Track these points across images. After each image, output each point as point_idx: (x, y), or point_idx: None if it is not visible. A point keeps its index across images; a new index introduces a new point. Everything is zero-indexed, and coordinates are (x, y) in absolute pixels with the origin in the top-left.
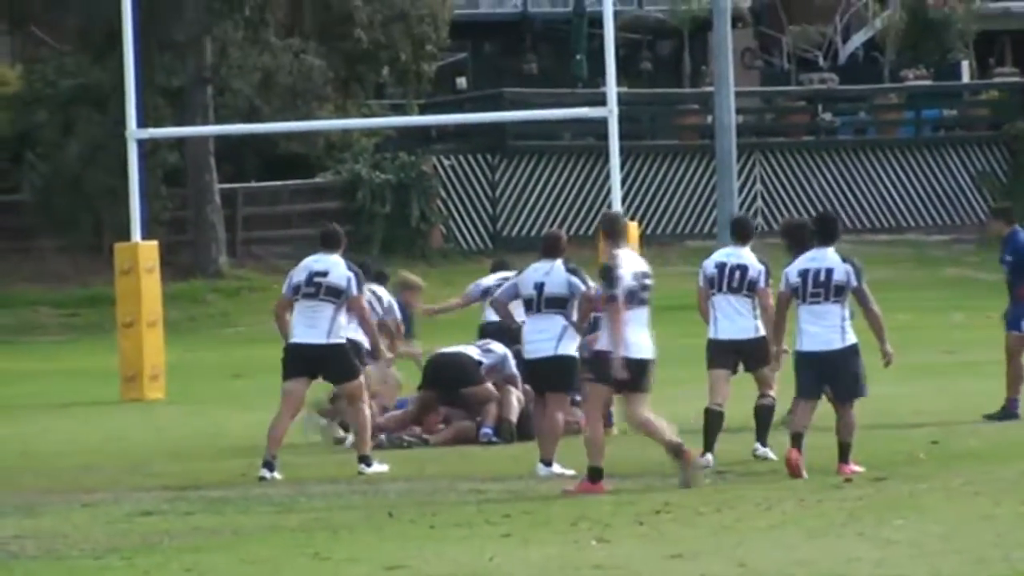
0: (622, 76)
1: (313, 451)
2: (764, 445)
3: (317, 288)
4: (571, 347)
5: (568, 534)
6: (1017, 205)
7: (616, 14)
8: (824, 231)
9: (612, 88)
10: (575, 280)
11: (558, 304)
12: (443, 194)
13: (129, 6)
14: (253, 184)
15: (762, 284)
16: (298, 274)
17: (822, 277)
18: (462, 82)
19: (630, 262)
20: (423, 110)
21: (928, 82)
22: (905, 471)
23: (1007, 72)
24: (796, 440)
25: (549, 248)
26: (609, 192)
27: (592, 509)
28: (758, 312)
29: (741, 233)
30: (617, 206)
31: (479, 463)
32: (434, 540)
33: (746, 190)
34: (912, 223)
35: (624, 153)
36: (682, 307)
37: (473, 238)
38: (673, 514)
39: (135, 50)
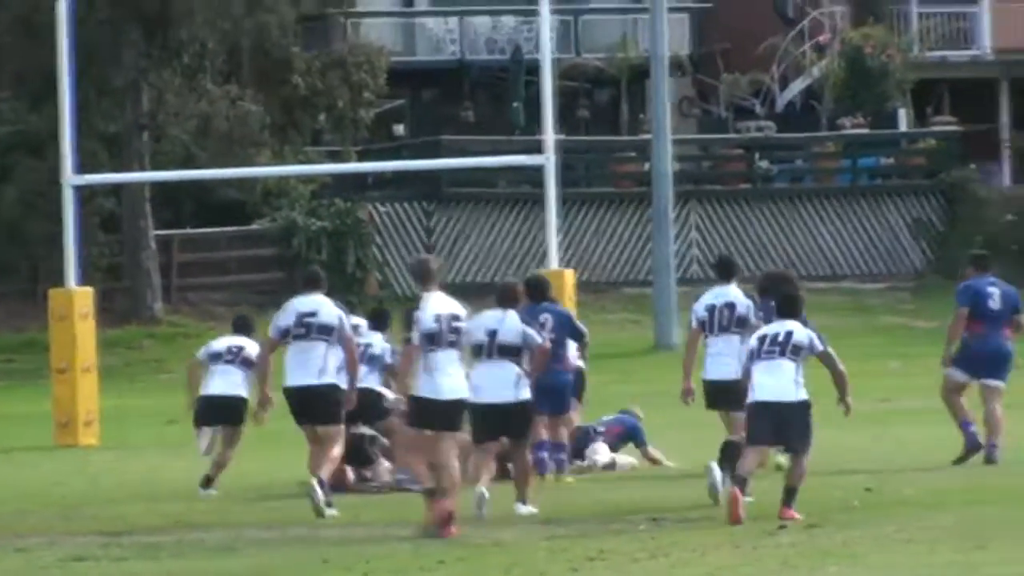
0: (559, 124)
1: (251, 497)
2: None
3: (308, 328)
4: (527, 393)
5: None
6: (952, 252)
7: (554, 62)
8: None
9: (549, 135)
10: (530, 332)
11: (510, 352)
12: (379, 241)
13: (66, 52)
14: (189, 230)
15: (752, 320)
16: (285, 318)
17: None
18: (399, 129)
19: (436, 304)
20: (360, 157)
21: (865, 130)
22: (839, 518)
23: (944, 121)
24: (741, 483)
25: (505, 298)
26: (545, 239)
27: (526, 556)
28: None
29: (725, 271)
30: (553, 253)
31: (415, 509)
32: None
33: (682, 237)
34: (848, 271)
35: (561, 200)
36: (619, 355)
37: (409, 285)
38: (608, 561)
39: (72, 96)
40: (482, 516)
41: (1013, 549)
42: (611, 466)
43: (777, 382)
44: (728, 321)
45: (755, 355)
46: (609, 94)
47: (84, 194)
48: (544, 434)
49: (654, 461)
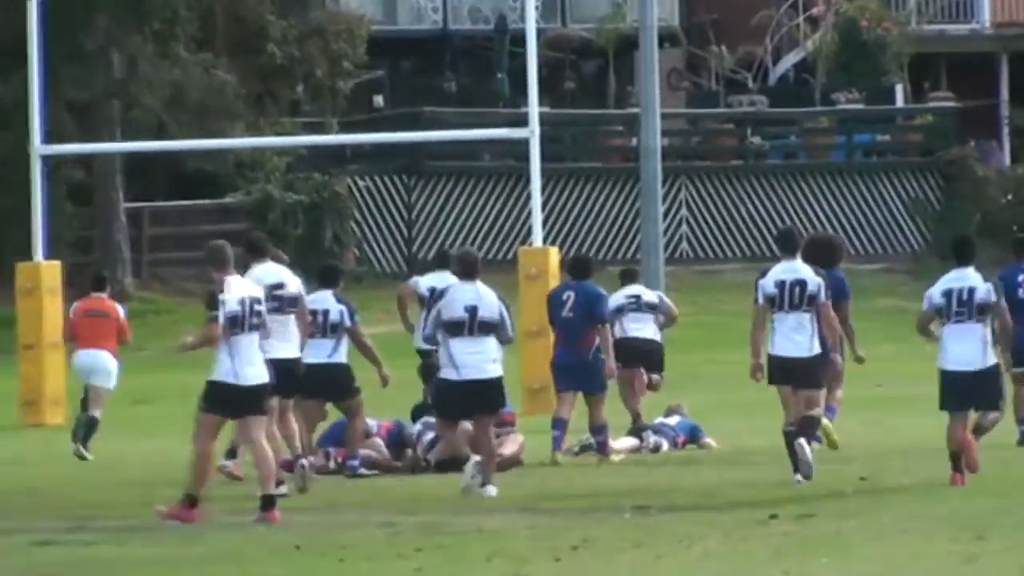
0: (545, 96)
1: (221, 480)
2: (808, 443)
3: (280, 301)
4: (501, 369)
5: (483, 570)
6: (949, 232)
7: (539, 32)
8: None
9: (534, 108)
10: (504, 310)
11: (490, 329)
12: (357, 216)
13: (36, 15)
14: (160, 203)
15: (822, 298)
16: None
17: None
18: (379, 100)
19: (239, 288)
20: (338, 129)
21: (860, 106)
22: (832, 507)
23: (942, 96)
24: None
25: (469, 268)
26: (529, 216)
27: (508, 544)
28: (814, 329)
29: (790, 246)
30: (537, 230)
31: (392, 495)
32: (343, 574)
33: (671, 215)
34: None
35: (545, 176)
36: None
37: (388, 261)
38: (592, 550)
39: (41, 62)
40: (471, 487)
41: (1013, 539)
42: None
43: (968, 348)
44: (799, 299)
45: (945, 314)
46: (596, 65)
47: (52, 165)
48: (565, 413)
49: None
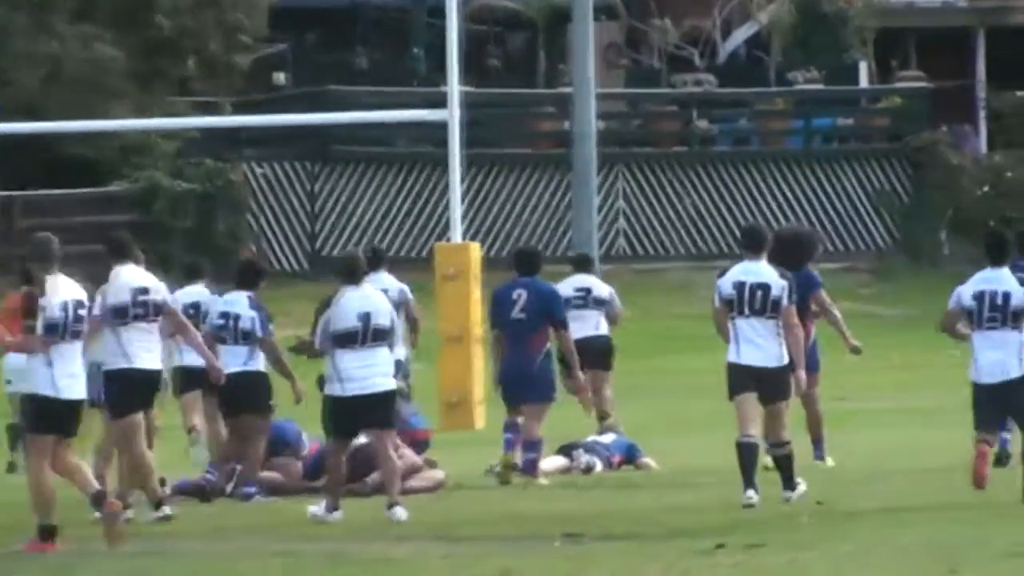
0: (466, 74)
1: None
2: (792, 490)
3: (145, 308)
4: (393, 382)
5: None
6: (919, 228)
7: (462, 2)
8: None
9: (454, 87)
10: (394, 313)
11: (384, 337)
12: (255, 207)
13: None
14: (35, 192)
15: (786, 302)
16: (116, 294)
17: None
18: (280, 78)
19: (63, 290)
20: (234, 110)
21: (820, 86)
22: (786, 536)
23: (911, 76)
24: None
25: (353, 271)
26: (448, 208)
27: (420, 575)
28: (782, 337)
29: (754, 244)
30: (457, 224)
31: (292, 519)
32: None
33: (607, 207)
34: None
35: (466, 163)
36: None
37: (288, 259)
38: None
39: None
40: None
41: (989, 572)
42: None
43: (1002, 357)
44: (762, 304)
45: (975, 320)
46: (524, 40)
47: None
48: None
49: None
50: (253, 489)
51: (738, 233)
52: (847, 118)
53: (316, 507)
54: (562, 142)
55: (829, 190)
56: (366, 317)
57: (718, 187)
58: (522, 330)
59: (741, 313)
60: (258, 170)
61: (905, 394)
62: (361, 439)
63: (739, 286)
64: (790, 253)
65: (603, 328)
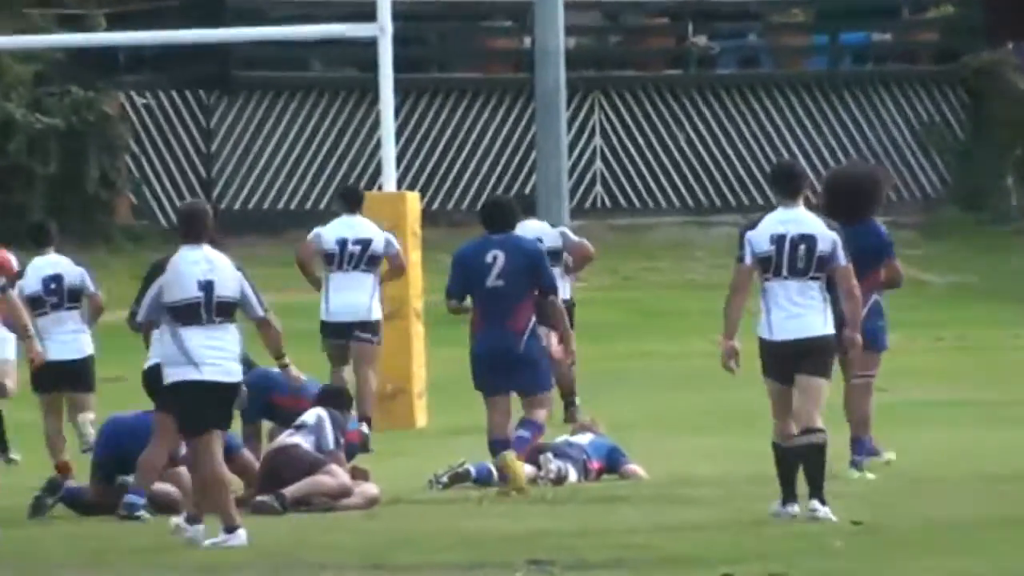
0: None
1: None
2: (822, 502)
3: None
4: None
5: None
6: (977, 172)
7: None
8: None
9: None
10: (246, 282)
11: (229, 311)
12: (135, 148)
13: None
14: None
15: (842, 261)
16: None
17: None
18: None
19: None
20: (109, 24)
21: None
22: (812, 565)
23: None
24: None
25: (195, 226)
26: (377, 147)
27: None
28: (826, 303)
29: (790, 185)
30: (389, 169)
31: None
32: None
33: (580, 147)
34: None
35: (401, 92)
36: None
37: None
38: None
39: None
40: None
41: None
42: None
43: None
44: (806, 261)
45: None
46: None
47: None
48: (502, 429)
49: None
50: (142, 499)
51: (745, 179)
52: (884, 33)
53: (179, 517)
54: (521, 64)
55: (863, 124)
56: (208, 286)
57: (720, 120)
58: (502, 301)
59: (778, 274)
60: (139, 100)
61: (961, 383)
62: (292, 437)
63: (778, 239)
64: (850, 198)
65: (565, 290)
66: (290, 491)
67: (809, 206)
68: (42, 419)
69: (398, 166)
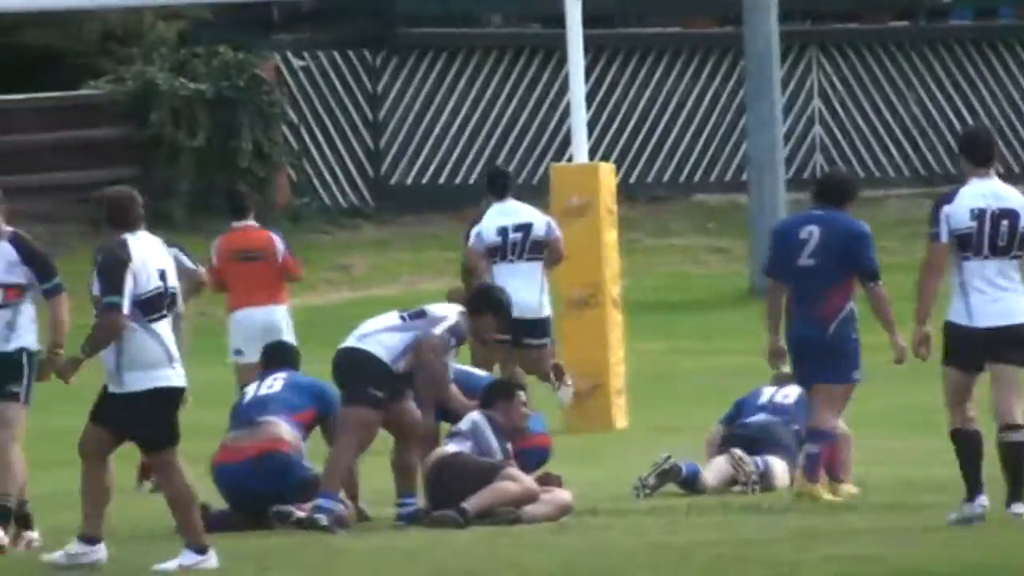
0: None
1: None
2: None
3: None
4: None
5: None
6: None
7: None
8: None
9: None
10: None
11: (175, 304)
12: (293, 116)
13: None
14: None
15: None
16: None
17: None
18: None
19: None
20: None
21: None
22: None
23: None
24: None
25: (124, 215)
26: (566, 114)
27: None
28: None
29: (982, 153)
30: (581, 137)
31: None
32: None
33: (796, 109)
34: None
35: (591, 49)
36: (694, 304)
37: (343, 189)
38: None
39: None
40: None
41: None
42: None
43: None
44: (1008, 240)
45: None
46: None
47: None
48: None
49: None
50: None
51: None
52: None
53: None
54: (728, 17)
55: None
56: (163, 274)
57: (955, 78)
58: (812, 283)
59: (978, 253)
60: (296, 62)
61: None
62: (449, 447)
63: (979, 215)
64: None
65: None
66: (471, 503)
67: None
68: None
69: (589, 135)
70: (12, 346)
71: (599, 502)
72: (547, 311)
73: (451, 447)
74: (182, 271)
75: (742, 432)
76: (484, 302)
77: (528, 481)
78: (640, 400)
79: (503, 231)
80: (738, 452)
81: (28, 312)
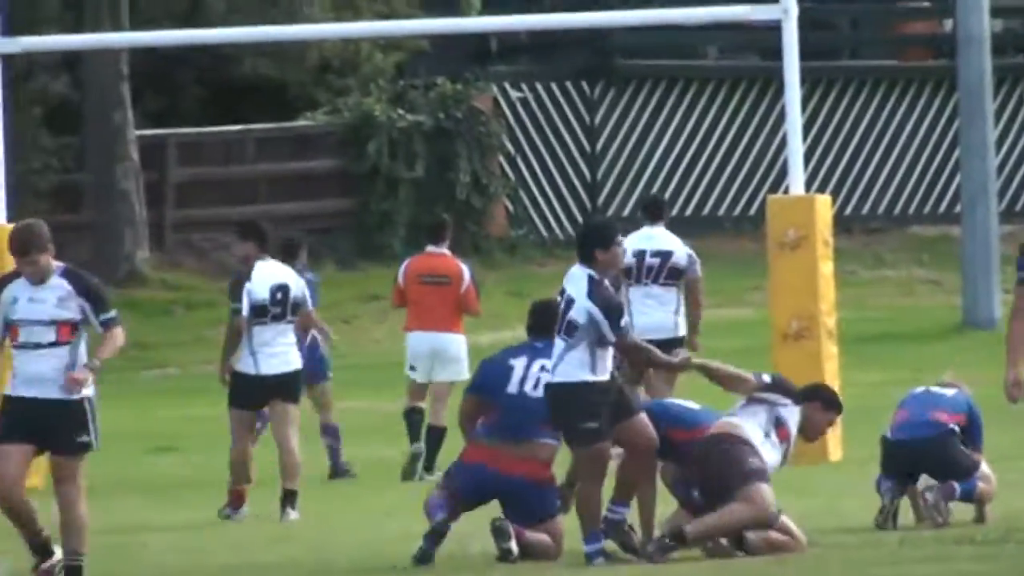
0: None
1: None
2: None
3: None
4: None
5: None
6: None
7: None
8: None
9: None
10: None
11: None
12: (510, 147)
13: None
14: (194, 129)
15: None
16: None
17: None
18: None
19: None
20: (483, 8)
21: None
22: None
23: None
24: None
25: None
26: (781, 146)
27: None
28: None
29: None
30: (798, 167)
31: None
32: None
33: (1009, 140)
34: None
35: (808, 81)
36: (906, 336)
37: (560, 220)
38: None
39: None
40: None
41: None
42: None
43: None
44: None
45: None
46: None
47: (19, 69)
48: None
49: None
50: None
51: None
52: None
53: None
54: (942, 50)
55: None
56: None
57: None
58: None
59: None
60: (514, 94)
61: None
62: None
63: None
64: None
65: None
66: (691, 529)
67: None
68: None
69: (805, 166)
70: (75, 395)
71: (813, 536)
72: (682, 331)
73: (736, 419)
74: None
75: None
76: None
77: (766, 501)
78: (855, 432)
79: (640, 254)
80: (919, 488)
81: (85, 356)
